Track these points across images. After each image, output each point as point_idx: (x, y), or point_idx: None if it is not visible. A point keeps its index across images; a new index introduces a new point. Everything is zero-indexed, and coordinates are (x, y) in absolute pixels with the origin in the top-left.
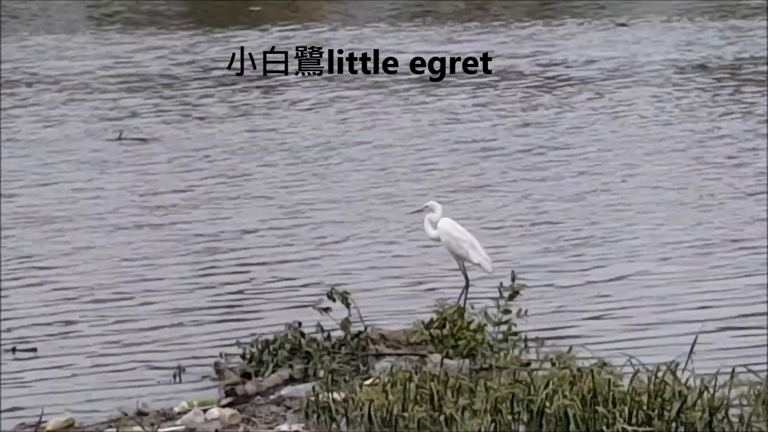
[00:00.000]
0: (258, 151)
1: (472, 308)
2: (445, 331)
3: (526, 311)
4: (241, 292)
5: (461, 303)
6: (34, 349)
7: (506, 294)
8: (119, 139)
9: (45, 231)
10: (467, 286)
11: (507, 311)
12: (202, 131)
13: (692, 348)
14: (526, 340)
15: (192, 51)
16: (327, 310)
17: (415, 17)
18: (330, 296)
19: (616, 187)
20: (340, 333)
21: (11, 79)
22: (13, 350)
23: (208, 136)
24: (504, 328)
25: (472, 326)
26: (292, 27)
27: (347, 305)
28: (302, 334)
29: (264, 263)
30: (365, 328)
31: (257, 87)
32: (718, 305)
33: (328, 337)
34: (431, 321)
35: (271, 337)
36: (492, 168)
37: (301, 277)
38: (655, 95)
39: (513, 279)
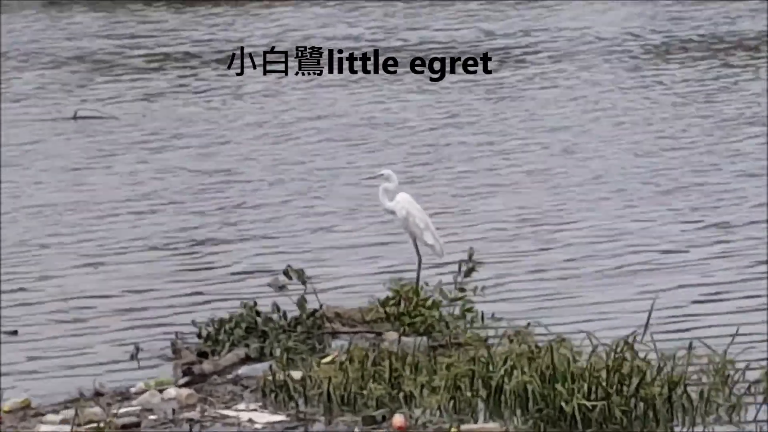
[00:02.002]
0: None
1: (426, 285)
2: (401, 309)
3: (483, 288)
4: (198, 271)
5: (417, 280)
6: (15, 332)
7: (463, 271)
8: (74, 118)
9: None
10: (420, 263)
11: (462, 289)
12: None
13: (648, 319)
14: (482, 316)
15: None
16: (282, 288)
17: None
18: (286, 274)
19: (588, 163)
20: (295, 312)
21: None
22: None
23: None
24: (460, 304)
25: (428, 303)
26: None
27: (303, 283)
28: (258, 313)
29: (224, 242)
30: (320, 306)
31: None
32: (679, 280)
33: (284, 316)
34: (387, 298)
35: (226, 316)
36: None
37: (259, 257)
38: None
39: (470, 256)
